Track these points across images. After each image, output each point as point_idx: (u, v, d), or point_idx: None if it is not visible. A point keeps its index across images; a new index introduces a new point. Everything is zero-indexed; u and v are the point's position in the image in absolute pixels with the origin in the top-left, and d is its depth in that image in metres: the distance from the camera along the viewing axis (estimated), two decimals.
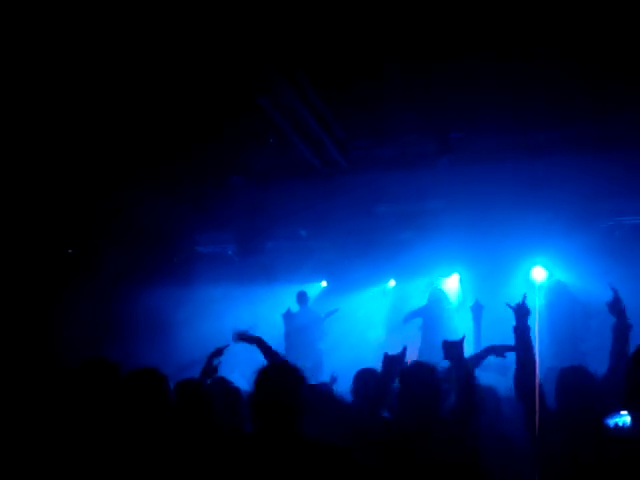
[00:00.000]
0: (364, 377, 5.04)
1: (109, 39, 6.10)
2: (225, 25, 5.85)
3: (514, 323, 4.51)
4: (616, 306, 4.53)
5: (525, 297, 4.57)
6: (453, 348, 4.18)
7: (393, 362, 4.38)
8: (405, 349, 4.60)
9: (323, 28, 6.18)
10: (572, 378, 4.31)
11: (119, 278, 10.37)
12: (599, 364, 9.27)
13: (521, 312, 4.45)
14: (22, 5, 5.46)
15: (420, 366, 4.18)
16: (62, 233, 10.07)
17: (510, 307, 4.52)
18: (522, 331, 4.28)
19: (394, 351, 4.71)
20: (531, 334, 4.52)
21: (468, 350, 9.12)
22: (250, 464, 2.98)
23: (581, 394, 4.01)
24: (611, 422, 2.51)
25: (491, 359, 5.37)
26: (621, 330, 4.40)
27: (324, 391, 4.71)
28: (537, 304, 10.17)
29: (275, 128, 8.02)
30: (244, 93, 7.01)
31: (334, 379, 6.23)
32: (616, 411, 2.52)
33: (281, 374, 3.15)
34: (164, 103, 7.64)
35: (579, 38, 6.32)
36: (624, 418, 2.17)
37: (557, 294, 10.63)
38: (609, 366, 4.35)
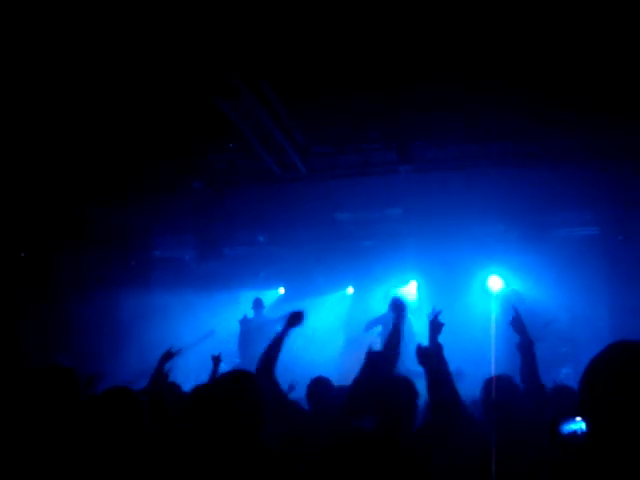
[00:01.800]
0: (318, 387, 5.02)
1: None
2: (191, 33, 5.82)
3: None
4: (517, 325, 4.67)
5: (439, 312, 4.65)
6: (429, 355, 4.14)
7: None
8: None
9: (285, 37, 6.19)
10: (496, 388, 4.43)
11: (75, 282, 10.19)
12: (554, 371, 9.43)
13: (434, 327, 4.51)
14: None
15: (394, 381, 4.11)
16: (15, 237, 9.85)
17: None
18: (435, 347, 4.28)
19: (353, 358, 4.73)
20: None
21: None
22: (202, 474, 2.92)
23: (503, 403, 4.16)
24: (565, 428, 2.55)
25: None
26: (525, 347, 4.52)
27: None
28: (493, 313, 10.31)
29: (236, 133, 7.98)
30: (205, 97, 6.96)
31: (292, 387, 6.19)
32: (570, 417, 2.56)
33: (236, 381, 3.08)
34: (124, 106, 7.53)
35: (532, 63, 6.55)
36: (579, 424, 2.21)
37: (511, 303, 10.78)
38: (520, 382, 4.45)
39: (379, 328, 10.99)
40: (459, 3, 5.68)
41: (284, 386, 6.48)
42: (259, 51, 6.40)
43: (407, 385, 3.95)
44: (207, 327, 11.75)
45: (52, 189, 9.21)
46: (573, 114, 7.41)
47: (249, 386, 3.04)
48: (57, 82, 6.75)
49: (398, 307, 5.17)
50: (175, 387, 5.37)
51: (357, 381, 4.37)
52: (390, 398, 3.81)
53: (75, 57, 6.26)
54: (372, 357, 4.41)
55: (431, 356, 4.16)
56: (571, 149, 8.39)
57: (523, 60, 6.46)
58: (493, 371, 5.00)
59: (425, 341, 4.66)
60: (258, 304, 12.06)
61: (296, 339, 11.52)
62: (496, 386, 4.26)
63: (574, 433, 2.41)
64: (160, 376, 5.15)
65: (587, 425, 1.97)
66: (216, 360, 6.09)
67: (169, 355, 5.36)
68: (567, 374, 9.75)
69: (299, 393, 5.78)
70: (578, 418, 2.30)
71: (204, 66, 6.36)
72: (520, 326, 4.67)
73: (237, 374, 3.23)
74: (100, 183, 9.25)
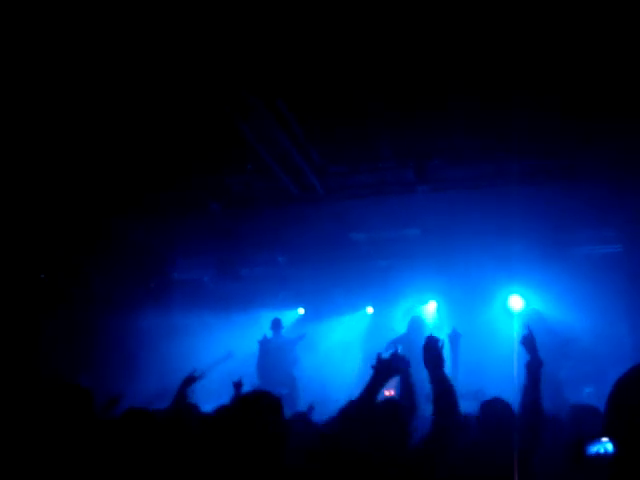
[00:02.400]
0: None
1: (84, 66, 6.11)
2: (208, 53, 5.88)
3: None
4: (528, 344, 4.58)
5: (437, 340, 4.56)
6: (433, 349, 4.08)
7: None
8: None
9: (302, 58, 6.23)
10: (492, 411, 4.46)
11: (94, 303, 10.24)
12: (575, 391, 9.31)
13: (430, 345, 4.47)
14: None
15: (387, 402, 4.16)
16: (36, 258, 9.94)
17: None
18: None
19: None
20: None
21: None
22: None
23: (499, 426, 4.20)
24: (591, 449, 2.49)
25: (466, 387, 5.37)
26: (534, 366, 4.44)
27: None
28: (515, 332, 10.20)
29: (253, 154, 8.01)
30: (223, 119, 7.01)
31: (312, 407, 6.17)
32: (595, 438, 2.50)
33: (257, 402, 3.07)
34: (141, 129, 7.60)
35: (552, 81, 6.52)
36: (605, 445, 2.15)
37: (533, 322, 10.67)
38: (521, 402, 4.37)
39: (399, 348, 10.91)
40: (474, 19, 5.68)
41: (304, 407, 6.46)
42: (275, 70, 6.44)
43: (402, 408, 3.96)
44: (226, 348, 11.76)
45: (76, 207, 9.30)
46: (598, 128, 7.34)
47: (270, 407, 3.03)
48: (78, 99, 6.84)
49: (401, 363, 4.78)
50: (194, 408, 5.36)
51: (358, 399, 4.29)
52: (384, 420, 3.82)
53: (93, 75, 6.35)
54: (382, 364, 4.28)
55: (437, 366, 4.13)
56: (594, 165, 8.32)
57: (548, 75, 6.42)
58: (515, 391, 4.94)
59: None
60: (277, 324, 12.02)
61: (314, 359, 11.53)
62: (490, 410, 4.27)
63: (600, 454, 2.35)
64: (182, 398, 5.15)
65: (614, 446, 1.92)
66: (237, 385, 6.08)
67: (191, 379, 5.35)
68: (589, 394, 9.61)
69: (318, 414, 5.74)
70: (604, 439, 2.24)
71: (221, 85, 6.41)
72: (531, 345, 4.59)
73: (257, 395, 3.21)
74: (119, 201, 9.32)
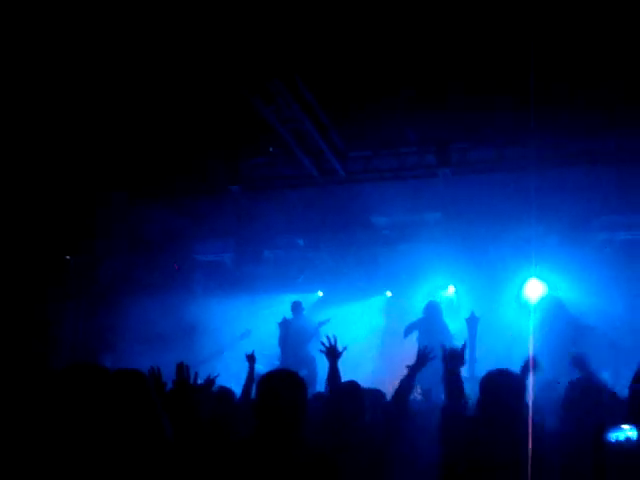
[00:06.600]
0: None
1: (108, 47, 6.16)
2: (228, 33, 5.89)
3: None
4: (580, 364, 4.66)
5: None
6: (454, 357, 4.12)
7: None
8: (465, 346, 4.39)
9: (325, 39, 6.23)
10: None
11: (117, 284, 10.36)
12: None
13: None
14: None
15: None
16: (60, 240, 10.06)
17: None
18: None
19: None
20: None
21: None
22: (248, 468, 2.97)
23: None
24: (612, 436, 2.51)
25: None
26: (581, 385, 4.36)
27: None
28: (532, 318, 10.19)
29: (275, 136, 8.04)
30: (246, 102, 7.03)
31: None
32: (616, 425, 2.52)
33: (284, 380, 3.16)
34: (164, 112, 7.64)
35: (576, 64, 6.47)
36: (627, 432, 2.17)
37: (552, 308, 10.63)
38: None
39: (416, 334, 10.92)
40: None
41: (321, 388, 6.52)
42: (296, 51, 6.43)
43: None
44: (245, 328, 11.85)
45: (99, 190, 9.40)
46: (620, 113, 7.28)
47: (296, 382, 3.13)
48: (114, 91, 6.93)
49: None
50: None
51: None
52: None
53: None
54: None
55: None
56: (617, 149, 8.26)
57: (567, 59, 6.38)
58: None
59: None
60: (297, 307, 12.05)
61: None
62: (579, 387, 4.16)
63: (623, 441, 2.36)
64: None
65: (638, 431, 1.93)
66: (250, 358, 6.16)
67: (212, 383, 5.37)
68: (606, 379, 9.56)
69: None
70: (625, 426, 2.25)
71: (245, 68, 6.43)
72: (582, 365, 4.53)
73: (283, 373, 3.31)
74: (145, 185, 9.41)
